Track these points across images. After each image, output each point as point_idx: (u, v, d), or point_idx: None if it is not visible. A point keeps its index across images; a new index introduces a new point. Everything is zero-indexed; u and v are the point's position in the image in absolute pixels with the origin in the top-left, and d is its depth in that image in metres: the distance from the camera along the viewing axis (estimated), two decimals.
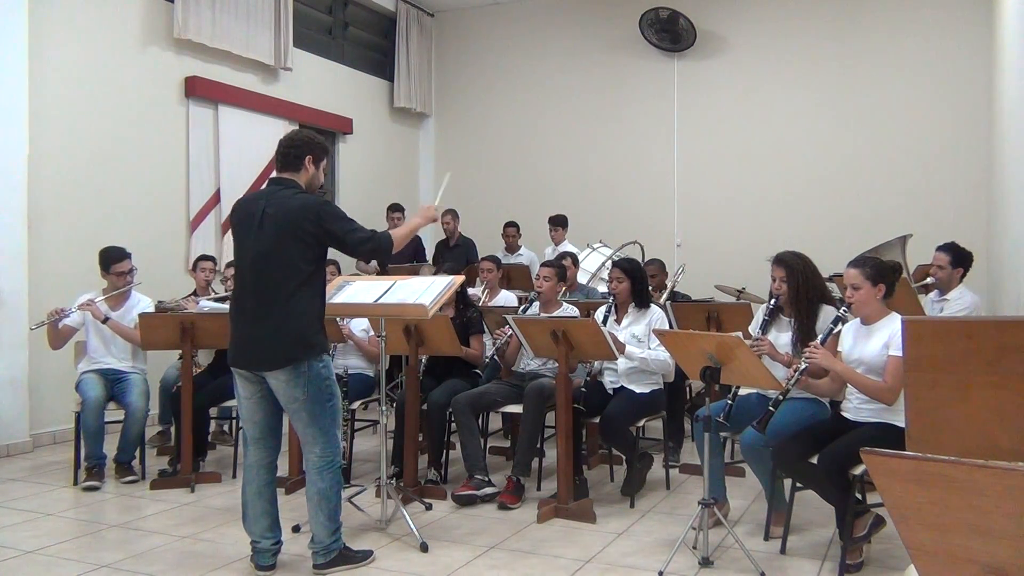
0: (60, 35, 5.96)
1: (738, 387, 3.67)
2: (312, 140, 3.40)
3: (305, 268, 3.22)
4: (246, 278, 3.29)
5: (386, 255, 3.38)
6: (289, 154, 3.34)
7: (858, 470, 3.19)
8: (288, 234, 3.19)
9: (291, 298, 3.19)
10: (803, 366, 3.38)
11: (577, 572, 3.36)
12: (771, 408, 3.41)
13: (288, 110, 7.93)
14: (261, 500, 3.35)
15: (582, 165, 9.27)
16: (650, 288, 5.68)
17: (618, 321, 4.47)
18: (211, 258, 5.99)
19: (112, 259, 4.89)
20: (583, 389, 4.34)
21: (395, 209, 8.16)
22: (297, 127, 8.01)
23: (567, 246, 7.63)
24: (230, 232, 7.26)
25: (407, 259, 7.86)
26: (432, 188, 9.94)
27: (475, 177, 9.71)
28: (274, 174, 3.40)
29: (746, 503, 4.28)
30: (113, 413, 4.82)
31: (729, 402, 3.63)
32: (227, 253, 6.94)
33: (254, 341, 3.23)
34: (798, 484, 3.53)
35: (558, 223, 7.98)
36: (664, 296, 5.74)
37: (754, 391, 3.81)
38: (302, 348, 3.19)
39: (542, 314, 4.71)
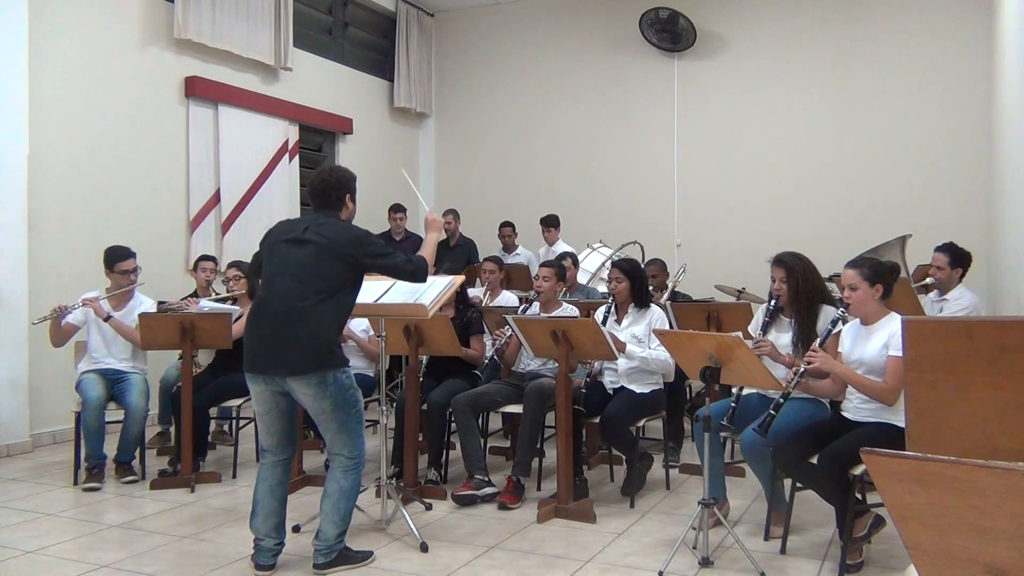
0: (60, 35, 5.96)
1: (741, 389, 3.68)
2: (346, 177, 3.51)
3: (338, 284, 3.27)
4: (276, 286, 3.29)
5: (424, 276, 3.49)
6: (330, 196, 3.45)
7: (858, 470, 3.19)
8: (329, 253, 3.26)
9: (318, 306, 3.21)
10: (802, 369, 3.38)
11: (577, 572, 3.36)
12: (772, 412, 3.40)
13: (288, 110, 7.93)
14: (272, 499, 3.37)
15: (582, 165, 9.27)
16: (651, 288, 5.68)
17: (618, 321, 4.47)
18: (212, 258, 5.99)
19: (117, 257, 4.89)
20: (583, 390, 4.35)
21: (397, 209, 8.16)
22: (297, 127, 8.04)
23: (561, 245, 7.63)
24: (230, 233, 7.32)
25: None
26: (431, 190, 9.94)
27: (475, 177, 9.72)
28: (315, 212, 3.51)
29: (746, 503, 4.28)
30: (113, 413, 4.81)
31: (733, 405, 3.64)
32: (227, 253, 6.95)
33: (276, 346, 3.22)
34: (798, 484, 3.54)
35: (550, 223, 7.98)
36: (665, 296, 5.74)
37: (755, 391, 3.81)
38: (325, 358, 3.21)
39: (542, 314, 4.71)
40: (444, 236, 8.41)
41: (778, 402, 3.41)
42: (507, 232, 8.15)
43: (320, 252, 3.26)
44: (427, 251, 3.63)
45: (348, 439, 3.33)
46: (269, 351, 3.25)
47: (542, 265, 4.91)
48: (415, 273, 3.44)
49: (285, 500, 3.43)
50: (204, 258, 5.96)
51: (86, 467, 4.70)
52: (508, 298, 6.05)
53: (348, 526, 3.38)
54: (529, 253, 8.09)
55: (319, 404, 3.25)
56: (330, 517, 3.33)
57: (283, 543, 3.41)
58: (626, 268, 4.48)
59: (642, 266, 4.99)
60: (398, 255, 3.41)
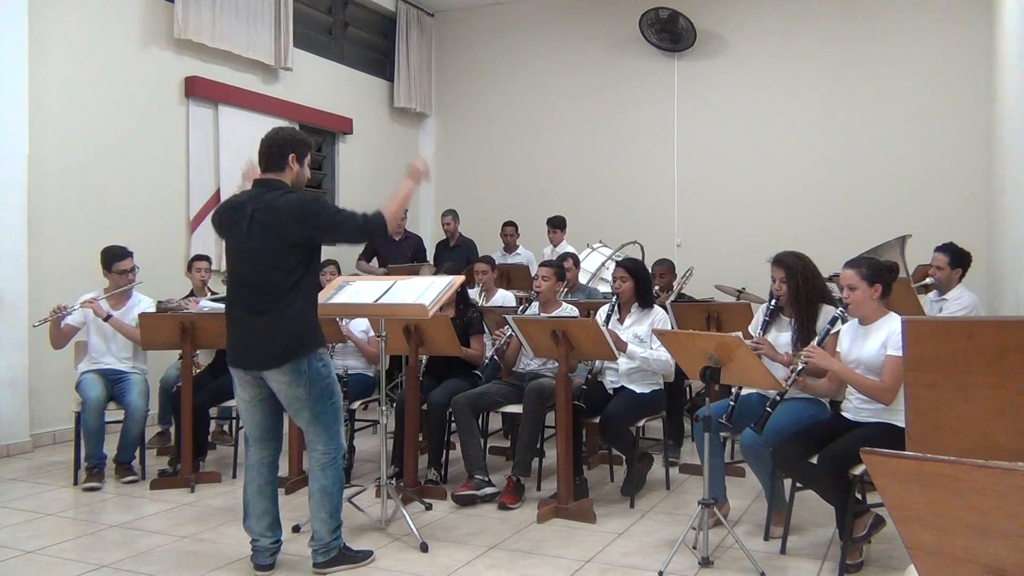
0: (60, 35, 5.95)
1: (740, 388, 3.68)
2: (293, 137, 3.36)
3: (297, 268, 3.22)
4: (240, 280, 3.29)
5: (382, 235, 3.32)
6: (272, 154, 3.30)
7: (858, 470, 3.19)
8: (278, 238, 3.18)
9: (284, 297, 3.19)
10: (800, 367, 3.38)
11: (577, 572, 3.36)
12: (768, 409, 3.41)
13: (288, 110, 7.92)
14: (262, 499, 3.37)
15: (582, 165, 9.27)
16: (658, 288, 5.67)
17: (621, 320, 4.47)
18: (206, 257, 5.97)
19: (114, 257, 4.89)
20: (584, 387, 4.35)
21: None
22: (297, 127, 8.02)
23: (565, 247, 7.63)
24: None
25: (407, 259, 7.86)
26: (431, 190, 9.94)
27: (475, 177, 9.72)
28: (258, 174, 3.36)
29: (746, 503, 4.28)
30: (113, 413, 4.82)
31: (732, 403, 3.64)
32: None
33: (251, 341, 3.24)
34: (798, 484, 3.54)
35: (556, 224, 7.98)
36: (671, 298, 5.72)
37: (755, 391, 3.81)
38: (298, 344, 3.20)
39: (541, 314, 4.71)
40: (444, 237, 8.41)
41: (774, 400, 3.41)
42: (509, 231, 8.15)
43: (268, 240, 3.18)
44: (393, 204, 3.35)
45: (322, 431, 3.29)
46: (244, 347, 3.26)
47: (541, 265, 4.92)
48: (370, 233, 3.29)
49: (276, 498, 3.42)
50: (198, 258, 5.94)
51: (86, 467, 4.69)
52: (505, 297, 6.05)
53: (340, 522, 3.37)
54: (529, 253, 8.09)
55: (292, 391, 3.22)
56: (318, 516, 3.31)
57: (280, 541, 3.40)
58: (631, 267, 4.49)
59: (646, 266, 4.98)
60: (347, 220, 3.22)
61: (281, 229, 3.17)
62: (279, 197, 3.21)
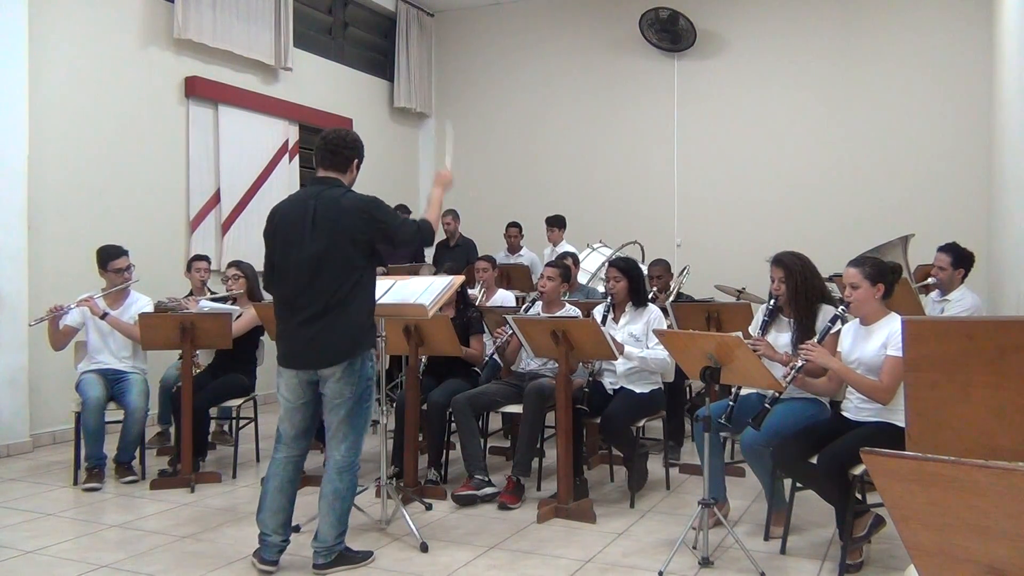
0: (60, 35, 5.96)
1: (739, 388, 3.68)
2: (359, 142, 3.46)
3: (360, 266, 3.27)
4: (300, 279, 3.28)
5: (431, 240, 3.55)
6: (340, 154, 3.37)
7: (858, 470, 3.19)
8: (343, 235, 3.22)
9: (347, 296, 3.23)
10: (799, 364, 3.38)
11: (577, 572, 3.36)
12: (767, 405, 3.41)
13: (288, 110, 7.93)
14: (281, 496, 3.38)
15: (582, 165, 9.27)
16: (655, 289, 5.66)
17: (616, 320, 4.47)
18: (205, 258, 5.98)
19: (109, 256, 4.89)
20: (585, 390, 4.34)
21: (401, 209, 8.15)
22: (297, 128, 8.03)
23: (565, 246, 7.63)
24: (230, 233, 7.31)
25: (407, 259, 7.86)
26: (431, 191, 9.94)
27: (475, 177, 9.70)
28: (319, 173, 3.40)
29: (746, 503, 4.27)
30: (113, 413, 4.81)
31: (731, 403, 3.64)
32: (227, 253, 6.94)
33: (311, 341, 3.25)
34: (798, 484, 3.54)
35: (555, 224, 7.98)
36: (670, 299, 5.72)
37: (754, 391, 3.81)
38: (356, 344, 3.26)
39: (544, 314, 4.70)
40: (444, 236, 8.41)
41: (774, 395, 3.41)
42: (513, 232, 8.15)
43: (334, 237, 3.21)
44: (432, 211, 3.60)
45: (349, 432, 3.32)
46: (303, 349, 3.28)
47: (547, 265, 4.91)
48: (424, 240, 3.50)
49: (294, 499, 3.43)
50: (197, 258, 5.95)
51: (86, 467, 4.69)
52: (504, 296, 6.05)
53: (346, 527, 3.38)
54: (533, 255, 8.09)
55: (340, 387, 3.27)
56: (327, 519, 3.32)
57: (288, 540, 3.41)
58: (623, 267, 4.49)
59: (639, 265, 4.98)
60: (407, 223, 3.42)
61: (346, 226, 3.22)
62: (343, 196, 3.29)
